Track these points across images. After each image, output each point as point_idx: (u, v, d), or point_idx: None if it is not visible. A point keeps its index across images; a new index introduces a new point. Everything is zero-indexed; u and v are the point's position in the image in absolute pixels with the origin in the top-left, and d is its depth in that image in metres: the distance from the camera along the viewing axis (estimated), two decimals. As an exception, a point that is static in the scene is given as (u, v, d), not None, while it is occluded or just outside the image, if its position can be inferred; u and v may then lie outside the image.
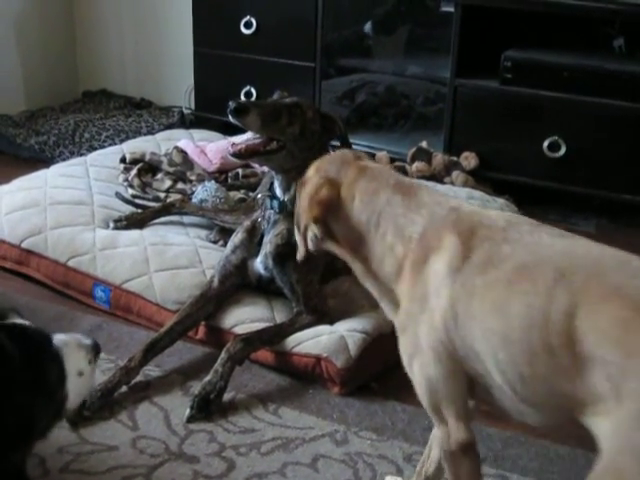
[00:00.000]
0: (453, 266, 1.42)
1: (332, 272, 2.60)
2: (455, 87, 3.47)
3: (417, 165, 3.40)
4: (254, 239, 2.50)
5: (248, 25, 3.85)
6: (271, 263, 2.45)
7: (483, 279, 1.39)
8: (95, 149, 3.85)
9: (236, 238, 2.53)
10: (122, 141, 3.92)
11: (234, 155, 2.34)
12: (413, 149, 3.53)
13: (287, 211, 2.42)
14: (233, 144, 2.35)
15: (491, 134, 3.46)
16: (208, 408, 2.20)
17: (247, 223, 2.54)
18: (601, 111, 3.30)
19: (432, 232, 1.48)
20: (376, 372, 2.39)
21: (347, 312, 2.52)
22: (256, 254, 2.50)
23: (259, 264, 2.49)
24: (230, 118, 2.28)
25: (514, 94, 3.40)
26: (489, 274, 1.39)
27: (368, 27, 4.24)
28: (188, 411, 2.19)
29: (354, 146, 2.57)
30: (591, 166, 3.34)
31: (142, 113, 4.27)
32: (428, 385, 1.49)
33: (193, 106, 4.42)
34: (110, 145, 3.88)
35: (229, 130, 3.93)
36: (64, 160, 3.79)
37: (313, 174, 1.63)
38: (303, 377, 2.38)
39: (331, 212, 1.59)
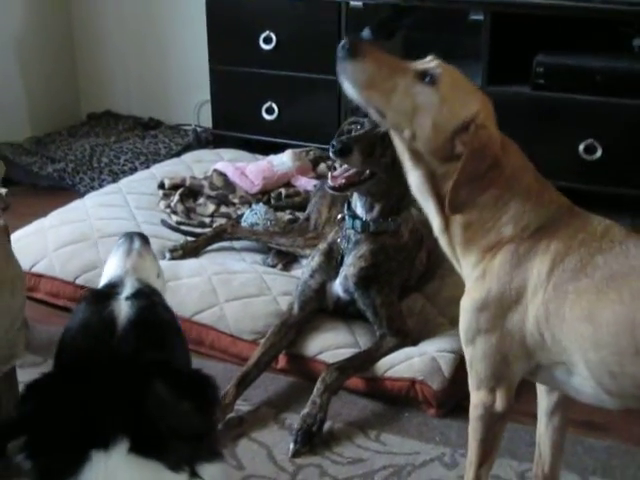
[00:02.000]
0: (551, 270, 1.52)
1: (404, 290, 2.59)
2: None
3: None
4: (332, 261, 2.47)
5: (267, 40, 3.80)
6: (352, 286, 2.42)
7: (575, 285, 1.51)
8: (115, 173, 3.77)
9: (313, 262, 2.50)
10: (142, 164, 3.84)
11: (333, 189, 2.31)
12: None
13: (369, 231, 2.40)
14: (332, 177, 2.32)
15: (526, 140, 3.37)
16: (311, 441, 2.17)
17: (323, 246, 2.51)
18: (632, 111, 3.32)
19: (547, 232, 1.55)
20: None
21: (426, 331, 2.51)
22: (335, 276, 2.46)
23: (338, 286, 2.46)
24: (332, 156, 2.29)
25: (547, 99, 3.40)
26: (581, 281, 1.51)
27: (367, 33, 4.22)
28: (292, 445, 2.15)
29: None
30: (628, 166, 3.37)
31: (156, 134, 4.17)
32: (499, 359, 1.60)
33: (203, 123, 4.34)
34: (130, 169, 3.80)
35: (251, 147, 3.89)
36: (85, 187, 3.71)
37: (492, 122, 1.59)
38: (395, 401, 2.35)
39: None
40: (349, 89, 1.55)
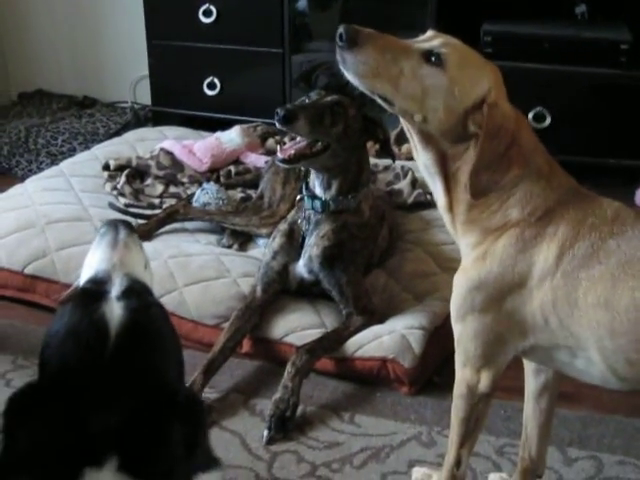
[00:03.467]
0: (560, 256, 1.47)
1: (367, 267, 2.54)
2: (435, 65, 3.42)
3: (407, 146, 3.34)
4: (294, 242, 2.41)
5: (207, 13, 3.68)
6: (317, 266, 2.37)
7: (588, 273, 1.46)
8: (54, 155, 3.62)
9: (274, 243, 2.43)
10: (80, 144, 3.70)
11: (283, 162, 2.24)
12: (396, 130, 3.46)
13: (330, 210, 2.35)
14: (282, 150, 2.25)
15: (475, 109, 3.44)
16: (285, 426, 2.11)
17: (284, 226, 2.44)
18: (580, 78, 3.33)
19: (555, 217, 1.49)
20: (436, 366, 2.35)
21: (392, 308, 2.47)
22: (297, 257, 2.40)
23: (302, 267, 2.40)
24: (277, 125, 2.20)
25: (496, 68, 3.39)
26: (594, 268, 1.46)
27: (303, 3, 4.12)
28: (266, 432, 2.09)
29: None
30: (576, 133, 3.38)
31: (93, 112, 4.03)
32: (492, 338, 1.56)
33: (140, 100, 4.21)
34: (69, 150, 3.66)
35: (193, 124, 3.78)
36: (22, 170, 3.56)
37: (503, 97, 1.49)
38: (366, 381, 2.31)
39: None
40: (352, 80, 1.47)
